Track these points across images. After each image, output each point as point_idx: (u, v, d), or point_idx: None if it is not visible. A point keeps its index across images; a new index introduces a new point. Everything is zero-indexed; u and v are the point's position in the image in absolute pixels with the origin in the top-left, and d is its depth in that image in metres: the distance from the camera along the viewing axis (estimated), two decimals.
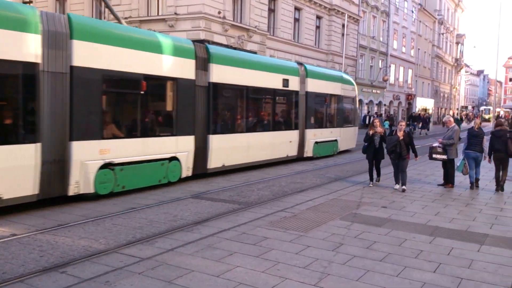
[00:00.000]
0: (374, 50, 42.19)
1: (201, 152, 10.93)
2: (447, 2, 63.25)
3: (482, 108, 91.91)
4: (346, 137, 18.39)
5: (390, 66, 45.35)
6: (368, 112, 42.00)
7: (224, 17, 22.83)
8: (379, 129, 10.19)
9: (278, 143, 13.89)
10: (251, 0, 24.91)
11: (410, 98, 51.21)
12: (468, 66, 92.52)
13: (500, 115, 50.24)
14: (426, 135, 33.02)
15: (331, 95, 17.14)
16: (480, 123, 11.13)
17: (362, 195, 9.22)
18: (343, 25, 30.36)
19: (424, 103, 55.79)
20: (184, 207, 8.12)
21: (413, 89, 51.88)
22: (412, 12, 49.56)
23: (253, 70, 12.81)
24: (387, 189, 9.94)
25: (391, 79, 46.53)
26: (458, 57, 71.07)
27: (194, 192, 9.50)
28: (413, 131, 31.95)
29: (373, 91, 42.88)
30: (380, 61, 43.70)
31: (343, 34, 30.92)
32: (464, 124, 51.19)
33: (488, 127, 32.63)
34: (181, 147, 10.25)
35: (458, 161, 10.37)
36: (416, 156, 10.15)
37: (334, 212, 7.65)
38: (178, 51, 10.17)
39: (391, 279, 4.71)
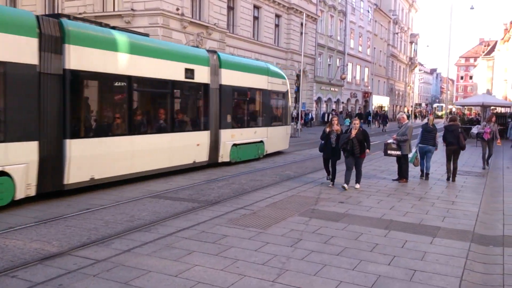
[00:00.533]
0: (332, 49, 42.94)
1: (52, 163, 8.30)
2: (402, 3, 65.24)
3: (435, 105, 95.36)
4: (276, 137, 16.16)
5: (347, 64, 46.32)
6: (334, 110, 42.74)
7: (182, 14, 22.58)
8: (336, 127, 9.92)
9: (180, 147, 11.39)
10: None
11: (366, 96, 52.51)
12: (421, 65, 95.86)
13: (452, 112, 52.32)
14: (384, 132, 33.90)
15: (255, 90, 14.98)
16: (433, 120, 12.34)
17: (321, 191, 9.35)
18: (302, 24, 30.72)
19: (380, 101, 57.39)
20: (141, 206, 7.97)
21: (369, 87, 53.21)
22: (368, 12, 50.83)
23: (139, 55, 10.18)
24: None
25: (349, 77, 47.54)
26: (412, 56, 73.48)
27: (152, 192, 9.34)
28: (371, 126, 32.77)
29: (332, 89, 43.66)
30: (337, 59, 44.53)
31: (301, 33, 31.26)
32: (418, 121, 53.05)
33: (440, 123, 33.87)
34: (12, 157, 7.59)
35: (411, 154, 10.79)
36: (368, 148, 9.86)
37: (293, 208, 7.73)
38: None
39: (347, 273, 4.80)
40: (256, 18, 30.32)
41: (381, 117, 39.78)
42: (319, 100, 41.62)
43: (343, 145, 9.48)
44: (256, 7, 30.01)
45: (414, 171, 11.30)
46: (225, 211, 7.42)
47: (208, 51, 13.17)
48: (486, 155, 13.83)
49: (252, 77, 14.67)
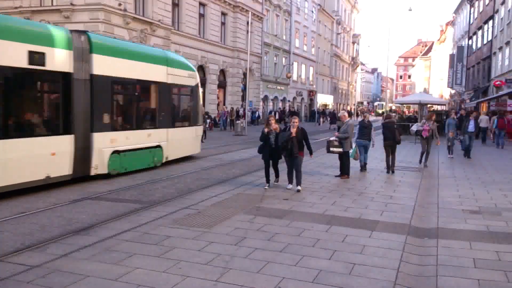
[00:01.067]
0: (278, 48, 43.45)
1: None
2: (344, 4, 67.11)
3: (376, 103, 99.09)
4: (181, 140, 13.67)
5: (293, 63, 47.04)
6: (286, 108, 43.20)
7: (125, 10, 21.99)
8: (274, 126, 9.50)
9: (20, 158, 8.49)
10: None
11: (312, 94, 53.61)
12: (363, 64, 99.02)
13: (392, 110, 54.55)
14: (330, 129, 34.70)
15: (149, 82, 12.35)
16: (369, 117, 13.74)
17: (266, 190, 9.42)
18: (248, 23, 30.84)
19: (324, 99, 58.74)
20: (80, 209, 7.67)
21: (314, 86, 54.35)
22: (312, 12, 51.85)
23: None
24: (287, 182, 10.24)
25: (294, 76, 48.32)
26: (354, 56, 75.82)
27: (92, 193, 9.01)
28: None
29: (278, 87, 44.20)
30: (283, 58, 45.12)
31: (248, 32, 31.43)
32: (360, 119, 54.72)
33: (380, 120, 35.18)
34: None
35: (351, 149, 11.29)
36: (310, 153, 9.79)
37: (239, 206, 7.73)
38: None
39: (289, 269, 4.87)
40: (202, 16, 30.10)
41: (330, 115, 40.58)
42: (266, 98, 42.00)
43: (283, 144, 9.08)
44: (202, 5, 29.78)
45: (356, 167, 11.67)
46: (169, 212, 7.30)
47: (74, 31, 10.14)
48: (424, 152, 13.86)
49: (143, 67, 11.92)
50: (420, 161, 13.76)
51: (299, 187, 9.23)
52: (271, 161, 9.71)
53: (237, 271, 4.79)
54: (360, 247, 5.68)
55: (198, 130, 15.08)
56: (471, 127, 16.44)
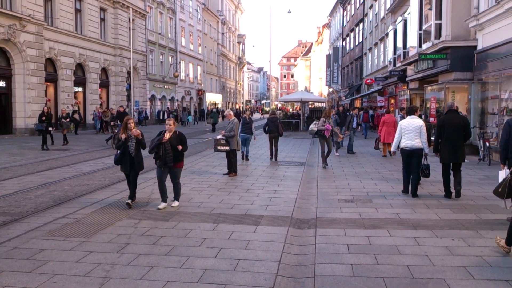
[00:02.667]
0: (164, 46, 42.63)
1: None
2: (228, 4, 68.11)
3: (263, 101, 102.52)
4: None
5: (180, 62, 46.54)
6: (170, 108, 42.30)
7: None
8: (135, 132, 7.78)
9: None
10: None
11: (200, 93, 53.59)
12: (250, 64, 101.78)
13: (278, 107, 56.84)
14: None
15: None
16: (249, 114, 16.01)
17: (152, 191, 9.18)
18: (130, 19, 29.70)
19: (213, 98, 59.11)
20: None
21: (202, 85, 54.39)
22: (197, 11, 51.75)
23: None
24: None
25: (182, 75, 47.85)
26: (240, 55, 77.43)
27: None
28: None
29: (165, 86, 43.40)
30: (170, 57, 44.40)
31: (130, 29, 30.28)
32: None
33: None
34: None
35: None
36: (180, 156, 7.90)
37: (122, 212, 7.41)
38: None
39: (174, 271, 4.79)
40: (78, 11, 28.28)
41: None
42: (153, 98, 40.96)
43: (153, 151, 7.58)
44: None
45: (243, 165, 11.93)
46: (43, 222, 6.73)
47: None
48: (326, 152, 13.07)
49: None
50: (325, 162, 12.91)
51: (175, 203, 7.78)
52: (130, 175, 7.97)
53: (118, 279, 4.58)
54: (245, 242, 5.80)
55: None
56: (354, 123, 17.31)
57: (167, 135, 7.66)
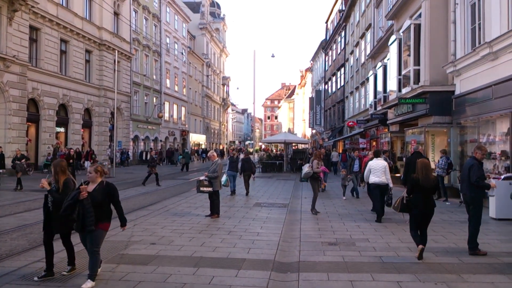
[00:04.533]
0: (148, 87, 42.97)
1: None
2: (213, 47, 69.60)
3: (247, 142, 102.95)
4: None
5: (164, 103, 46.82)
6: (152, 149, 42.11)
7: None
8: (43, 183, 6.02)
9: None
10: (8, 28, 22.34)
11: (184, 134, 53.68)
12: (234, 105, 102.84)
13: (262, 148, 57.14)
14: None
15: None
16: (235, 154, 18.27)
17: (132, 234, 8.97)
18: (115, 61, 29.99)
19: (197, 139, 59.22)
20: None
21: (186, 126, 54.57)
22: (182, 54, 52.67)
23: None
24: (157, 225, 9.94)
25: (166, 116, 48.02)
26: (224, 97, 78.40)
27: None
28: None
29: (149, 127, 43.40)
30: (154, 98, 44.68)
31: (115, 70, 30.51)
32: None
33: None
34: None
35: (223, 178, 12.52)
36: (121, 224, 6.24)
37: (100, 255, 7.18)
38: None
39: None
40: (63, 52, 28.49)
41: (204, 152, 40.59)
42: (136, 138, 40.82)
43: (66, 212, 5.68)
44: (63, 41, 28.25)
45: (224, 205, 11.79)
46: (17, 266, 6.50)
47: None
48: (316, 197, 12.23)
49: None
50: (313, 207, 11.99)
51: (88, 284, 5.55)
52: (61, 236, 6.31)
53: None
54: (226, 287, 5.66)
55: None
56: (356, 166, 16.28)
57: (84, 190, 5.69)
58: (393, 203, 7.95)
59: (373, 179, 10.76)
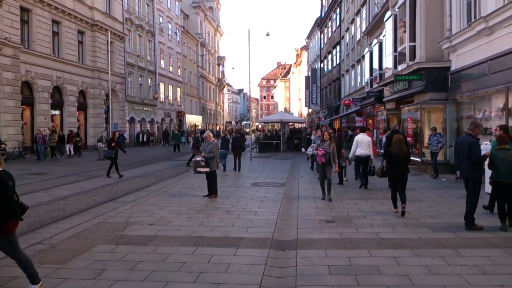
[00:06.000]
0: (143, 68, 42.57)
1: None
2: (207, 27, 68.74)
3: (243, 122, 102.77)
4: None
5: (159, 84, 46.46)
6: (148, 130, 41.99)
7: None
8: None
9: None
10: None
11: (180, 115, 53.45)
12: (229, 85, 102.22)
13: (259, 128, 57.05)
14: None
15: None
16: (226, 134, 20.60)
17: (131, 215, 9.01)
18: (108, 42, 29.60)
19: (193, 120, 59.03)
20: None
21: (182, 107, 54.30)
22: (176, 34, 52.02)
23: None
24: (155, 206, 9.97)
25: (161, 97, 47.73)
26: (220, 77, 77.84)
27: None
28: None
29: (145, 108, 43.16)
30: (149, 79, 44.31)
31: (108, 51, 30.14)
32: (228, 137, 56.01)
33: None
34: None
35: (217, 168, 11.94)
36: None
37: (99, 237, 7.23)
38: None
39: None
40: (56, 34, 28.09)
41: (194, 139, 39.23)
42: (132, 120, 40.64)
43: None
44: (55, 22, 27.83)
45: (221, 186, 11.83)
46: None
47: None
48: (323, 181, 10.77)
49: None
50: (324, 196, 10.64)
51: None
52: None
53: None
54: (225, 266, 5.71)
55: None
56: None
57: None
58: (376, 170, 10.00)
59: (359, 151, 12.27)
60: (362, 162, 12.43)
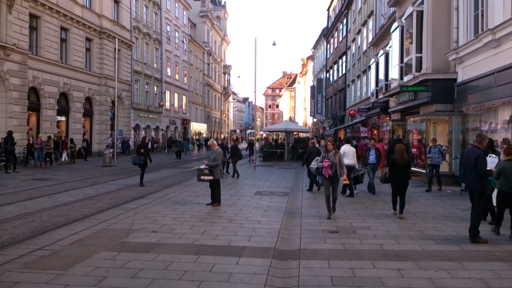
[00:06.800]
0: (149, 76, 42.80)
1: None
2: (214, 36, 69.15)
3: (248, 131, 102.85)
4: None
5: (165, 92, 46.69)
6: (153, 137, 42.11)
7: None
8: None
9: None
10: (7, 16, 22.19)
11: (185, 122, 53.61)
12: (235, 94, 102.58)
13: (263, 137, 57.09)
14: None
15: None
16: (231, 142, 20.50)
17: (133, 222, 9.00)
18: (115, 49, 29.82)
19: (198, 128, 59.17)
20: None
21: (187, 115, 54.48)
22: (183, 42, 52.35)
23: None
24: (158, 213, 9.96)
25: (167, 105, 47.93)
26: (225, 85, 78.12)
27: None
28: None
29: (150, 116, 43.33)
30: (155, 86, 44.54)
31: (115, 58, 30.33)
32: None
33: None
34: None
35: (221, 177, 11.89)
36: None
37: (101, 243, 7.22)
38: None
39: None
40: (64, 40, 28.34)
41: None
42: (137, 127, 40.78)
43: None
44: (63, 29, 28.08)
45: (225, 194, 11.79)
46: (19, 254, 6.50)
47: None
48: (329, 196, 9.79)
49: None
50: (329, 216, 9.59)
51: None
52: None
53: None
54: (227, 275, 5.67)
55: None
56: (372, 158, 13.77)
57: None
58: (380, 177, 10.69)
59: (346, 161, 12.19)
60: (349, 171, 12.49)
